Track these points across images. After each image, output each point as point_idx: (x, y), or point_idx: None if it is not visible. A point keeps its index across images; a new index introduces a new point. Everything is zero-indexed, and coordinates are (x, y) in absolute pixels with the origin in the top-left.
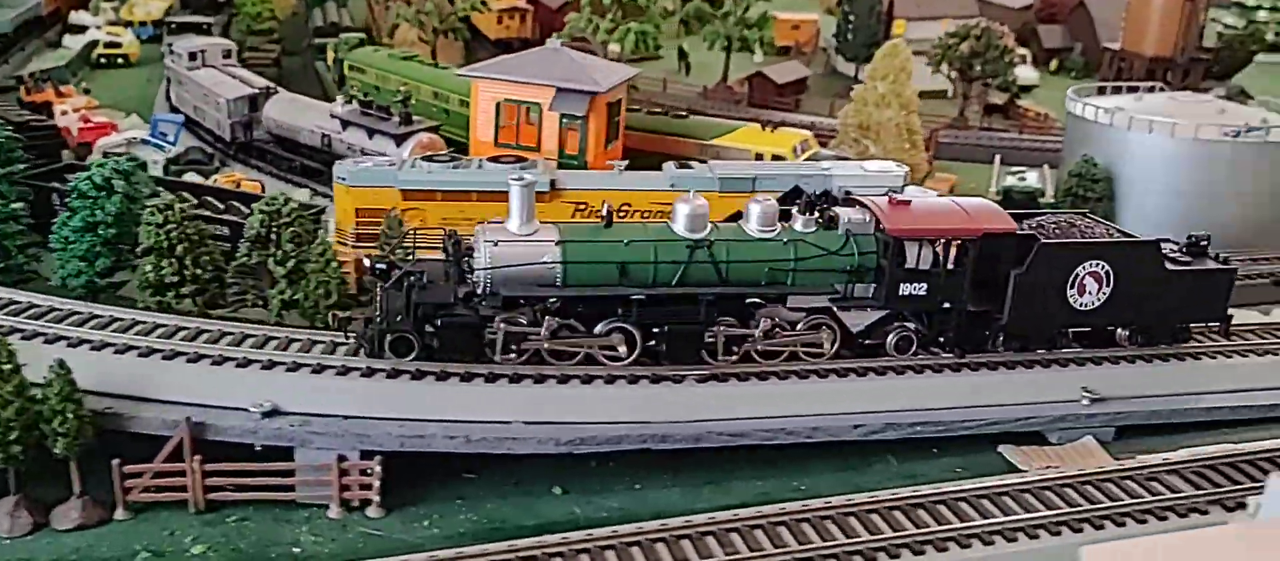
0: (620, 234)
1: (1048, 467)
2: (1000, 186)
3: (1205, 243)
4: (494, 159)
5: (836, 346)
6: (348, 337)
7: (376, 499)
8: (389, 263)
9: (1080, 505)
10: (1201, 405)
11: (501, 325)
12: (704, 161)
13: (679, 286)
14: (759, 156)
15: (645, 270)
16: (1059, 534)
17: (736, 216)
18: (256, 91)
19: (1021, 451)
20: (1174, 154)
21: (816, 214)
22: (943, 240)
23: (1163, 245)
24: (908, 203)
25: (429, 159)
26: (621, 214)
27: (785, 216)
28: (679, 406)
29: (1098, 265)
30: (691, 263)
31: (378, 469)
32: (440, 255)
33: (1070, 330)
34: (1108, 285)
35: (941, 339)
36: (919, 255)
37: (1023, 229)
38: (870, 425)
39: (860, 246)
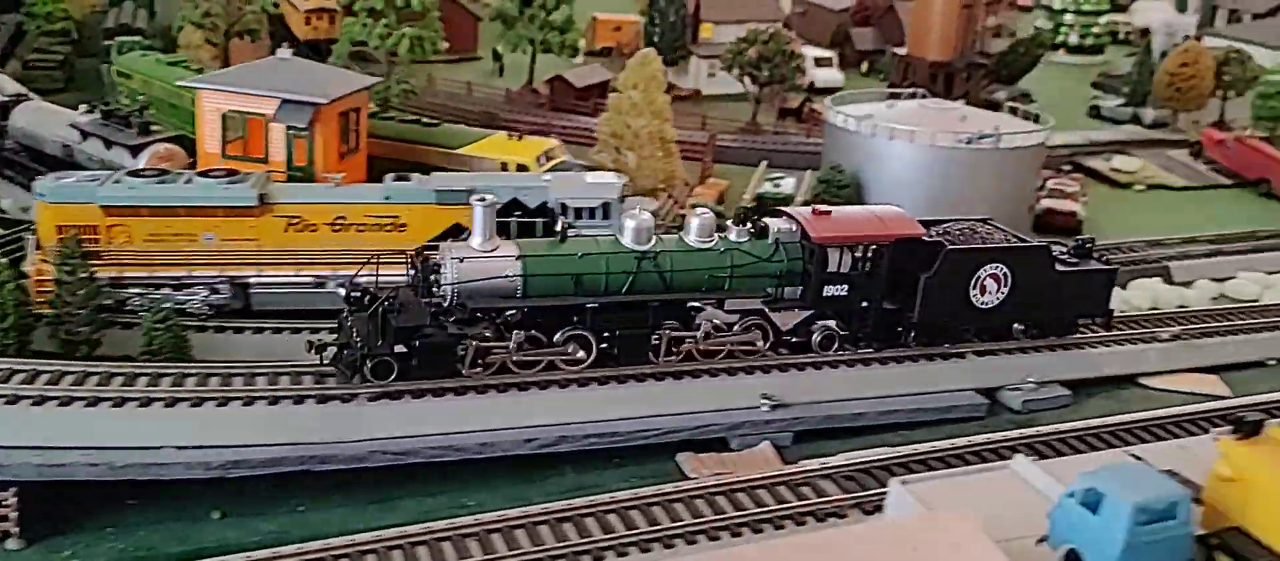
0: (574, 248)
1: (715, 474)
2: (755, 192)
3: (1090, 245)
4: (204, 173)
5: (769, 344)
6: (323, 363)
7: (15, 530)
8: (362, 289)
9: (727, 512)
10: (877, 409)
11: (472, 342)
12: (450, 170)
13: (629, 295)
14: (504, 166)
15: (598, 280)
16: (695, 542)
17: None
18: (6, 98)
19: (696, 458)
20: (914, 160)
21: (749, 225)
22: (860, 246)
23: (1053, 248)
24: (829, 213)
25: (136, 173)
26: (335, 226)
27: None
28: (344, 426)
29: (997, 268)
30: (639, 272)
31: (14, 499)
32: None
33: (972, 326)
34: (1006, 286)
35: (861, 335)
36: (840, 260)
37: (930, 235)
38: (543, 439)
39: (788, 253)
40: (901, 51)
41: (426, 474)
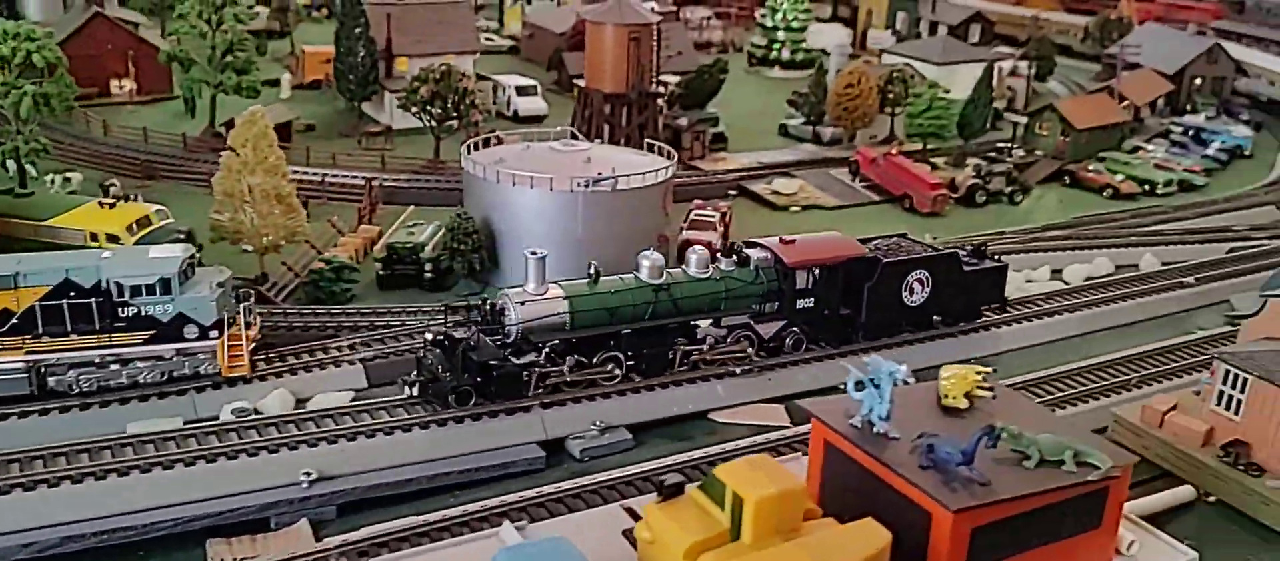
0: (606, 286)
1: (238, 559)
2: (388, 240)
3: (984, 248)
4: None
5: (755, 350)
6: (413, 396)
7: None
8: (448, 335)
9: None
10: (428, 474)
11: (535, 370)
12: (40, 242)
13: (650, 320)
14: (93, 236)
15: (627, 311)
16: None
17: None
18: None
19: (224, 543)
20: (539, 205)
21: (735, 257)
22: (820, 267)
23: (960, 253)
24: (794, 242)
25: None
26: None
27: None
28: None
29: (921, 273)
30: (657, 302)
31: None
32: None
33: (905, 320)
34: (928, 286)
35: (823, 337)
36: (807, 279)
37: (870, 252)
38: (45, 541)
39: (766, 277)
40: (582, 82)
41: None
